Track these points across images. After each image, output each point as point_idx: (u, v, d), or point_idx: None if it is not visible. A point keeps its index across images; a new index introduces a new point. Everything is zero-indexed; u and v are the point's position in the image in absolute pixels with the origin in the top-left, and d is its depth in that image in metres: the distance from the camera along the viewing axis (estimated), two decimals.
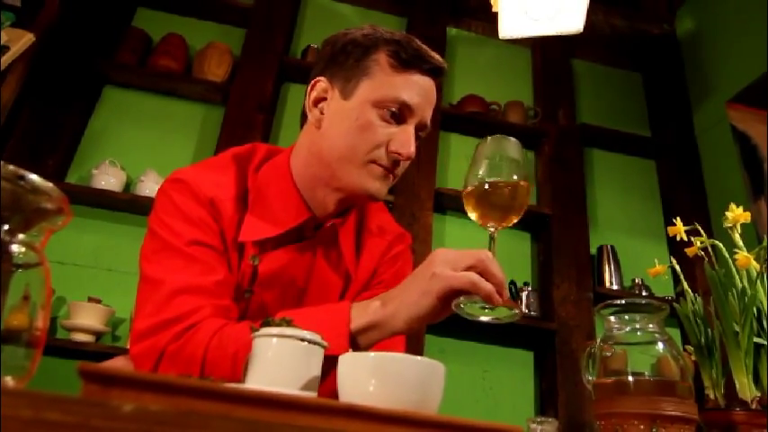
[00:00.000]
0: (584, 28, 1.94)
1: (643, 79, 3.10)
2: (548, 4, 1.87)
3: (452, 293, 0.68)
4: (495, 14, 1.98)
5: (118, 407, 0.28)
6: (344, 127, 0.82)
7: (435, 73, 0.86)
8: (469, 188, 0.74)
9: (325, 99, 0.87)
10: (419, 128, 0.85)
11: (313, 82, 0.88)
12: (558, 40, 2.59)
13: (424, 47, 0.85)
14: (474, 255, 0.68)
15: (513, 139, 0.77)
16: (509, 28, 1.93)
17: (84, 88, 2.32)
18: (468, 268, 0.67)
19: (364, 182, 0.83)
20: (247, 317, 0.85)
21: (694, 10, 2.96)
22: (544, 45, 2.84)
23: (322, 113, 0.87)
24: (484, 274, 0.67)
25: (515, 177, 0.73)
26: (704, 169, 2.67)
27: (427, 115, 0.85)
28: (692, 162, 2.71)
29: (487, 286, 0.66)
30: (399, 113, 0.82)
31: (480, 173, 0.73)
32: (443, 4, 2.83)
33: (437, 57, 0.86)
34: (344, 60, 0.85)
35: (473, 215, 0.74)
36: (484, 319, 0.68)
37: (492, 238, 0.74)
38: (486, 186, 0.73)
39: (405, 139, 0.81)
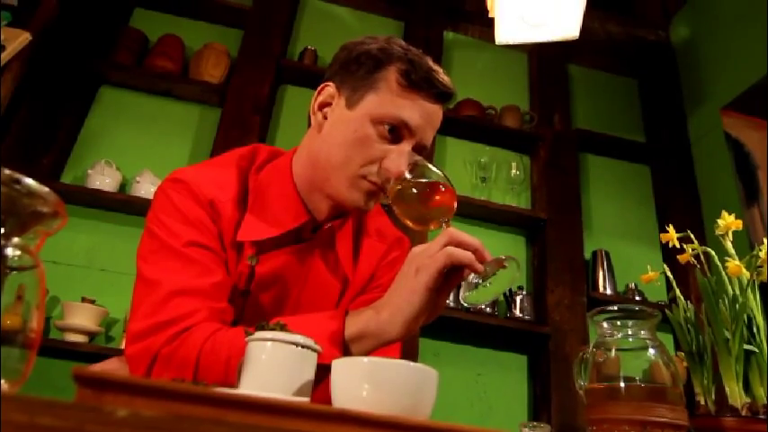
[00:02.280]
0: (581, 34, 1.95)
1: (638, 85, 3.12)
2: (544, 10, 1.88)
3: (440, 279, 0.69)
4: (492, 19, 1.99)
5: (111, 412, 0.28)
6: (342, 136, 0.83)
7: (442, 98, 0.85)
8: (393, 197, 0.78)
9: (330, 104, 0.87)
10: (417, 149, 0.84)
11: (321, 86, 0.88)
12: (555, 45, 2.59)
13: (436, 69, 0.85)
14: (441, 236, 0.70)
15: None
16: (506, 33, 1.94)
17: (81, 88, 2.31)
18: (442, 248, 0.69)
19: (351, 194, 0.83)
20: (243, 318, 0.84)
21: (689, 17, 2.98)
22: (540, 50, 2.85)
23: (325, 118, 0.87)
24: (458, 245, 0.69)
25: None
26: (698, 175, 2.69)
27: (427, 138, 0.85)
28: (687, 168, 2.72)
29: (466, 254, 0.68)
30: (398, 132, 0.82)
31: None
32: (441, 8, 2.84)
33: (447, 81, 0.85)
34: (356, 70, 0.85)
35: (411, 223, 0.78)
36: (493, 292, 0.70)
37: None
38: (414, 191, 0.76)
39: (396, 158, 0.80)
